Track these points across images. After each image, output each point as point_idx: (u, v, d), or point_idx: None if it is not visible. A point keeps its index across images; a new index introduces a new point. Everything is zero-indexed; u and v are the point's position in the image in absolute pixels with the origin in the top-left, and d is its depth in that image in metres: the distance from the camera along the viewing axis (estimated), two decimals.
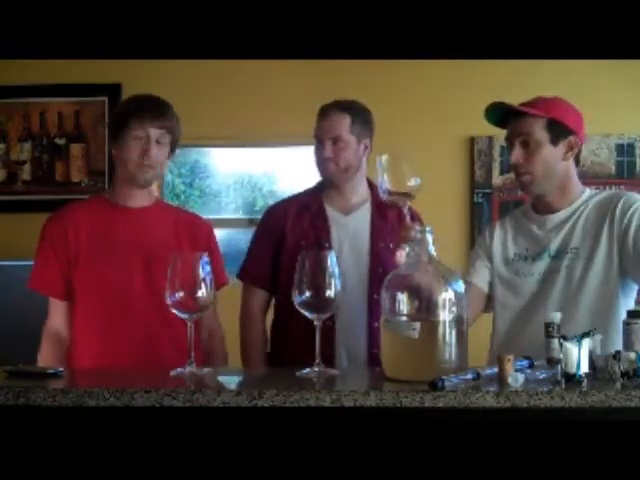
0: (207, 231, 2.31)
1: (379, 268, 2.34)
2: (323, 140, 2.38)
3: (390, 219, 2.42)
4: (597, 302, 2.03)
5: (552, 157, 2.07)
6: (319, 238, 2.37)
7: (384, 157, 1.78)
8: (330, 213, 2.43)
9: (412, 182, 1.78)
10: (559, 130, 2.07)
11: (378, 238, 2.40)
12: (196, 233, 2.26)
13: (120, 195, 2.22)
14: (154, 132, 2.14)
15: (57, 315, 2.21)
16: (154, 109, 2.17)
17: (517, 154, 2.09)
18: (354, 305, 2.34)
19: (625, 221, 2.02)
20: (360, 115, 2.42)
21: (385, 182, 1.79)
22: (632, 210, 2.03)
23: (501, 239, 2.21)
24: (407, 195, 1.80)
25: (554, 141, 2.07)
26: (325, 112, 2.41)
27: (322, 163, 2.41)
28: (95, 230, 2.18)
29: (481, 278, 2.19)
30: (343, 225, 2.42)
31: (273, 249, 2.42)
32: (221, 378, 1.84)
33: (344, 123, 2.38)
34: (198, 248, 2.07)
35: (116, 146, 2.20)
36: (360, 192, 2.47)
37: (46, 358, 2.17)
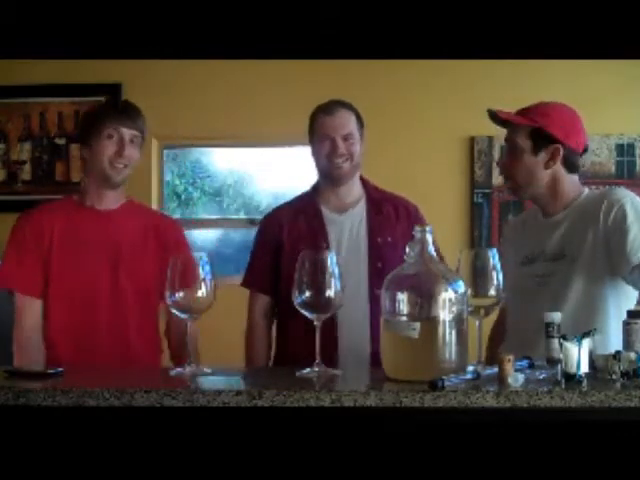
0: (176, 232, 2.34)
1: (378, 263, 2.34)
2: (334, 137, 2.35)
3: (386, 213, 2.43)
4: (581, 303, 2.01)
5: (532, 165, 2.07)
6: (316, 240, 2.36)
7: None
8: (326, 214, 2.42)
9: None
10: (542, 139, 2.06)
11: (375, 233, 2.40)
12: (164, 235, 2.28)
13: (90, 197, 2.24)
14: (127, 132, 2.17)
15: (33, 317, 2.19)
16: (126, 109, 2.23)
17: (503, 160, 2.17)
18: (355, 303, 2.33)
19: (609, 221, 1.99)
20: (358, 114, 2.44)
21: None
22: (616, 209, 2.00)
23: (512, 241, 2.23)
24: None
25: (535, 150, 2.07)
26: (331, 109, 2.39)
27: (332, 161, 2.37)
28: (66, 232, 2.21)
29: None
30: (339, 224, 2.41)
31: (272, 255, 2.42)
32: (221, 378, 1.84)
33: (352, 120, 2.39)
34: (166, 249, 2.12)
35: (87, 148, 2.21)
36: (355, 191, 2.47)
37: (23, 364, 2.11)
